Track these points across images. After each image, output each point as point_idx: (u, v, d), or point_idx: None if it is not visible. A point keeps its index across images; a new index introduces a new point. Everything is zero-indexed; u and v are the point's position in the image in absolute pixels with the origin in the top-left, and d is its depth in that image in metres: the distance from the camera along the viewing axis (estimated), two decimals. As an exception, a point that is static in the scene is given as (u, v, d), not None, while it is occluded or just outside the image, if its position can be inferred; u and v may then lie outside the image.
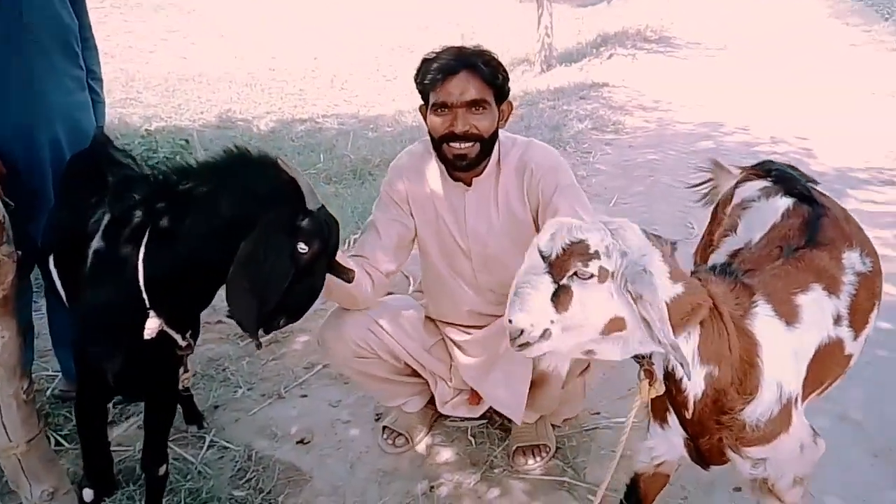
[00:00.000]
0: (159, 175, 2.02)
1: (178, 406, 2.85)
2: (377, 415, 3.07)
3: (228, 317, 1.87)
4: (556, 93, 9.63)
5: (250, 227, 1.79)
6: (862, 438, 2.93)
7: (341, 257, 2.10)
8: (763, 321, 1.68)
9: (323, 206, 1.90)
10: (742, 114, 8.60)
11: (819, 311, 1.78)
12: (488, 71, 2.31)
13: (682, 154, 7.20)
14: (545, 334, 1.54)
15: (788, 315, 1.72)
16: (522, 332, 1.54)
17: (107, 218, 2.06)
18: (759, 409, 1.66)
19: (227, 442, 2.90)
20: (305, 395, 3.23)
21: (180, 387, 2.32)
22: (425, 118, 2.41)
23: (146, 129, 6.96)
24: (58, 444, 2.82)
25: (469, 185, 2.48)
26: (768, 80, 10.71)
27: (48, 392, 3.20)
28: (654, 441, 1.96)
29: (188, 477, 2.67)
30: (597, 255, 1.51)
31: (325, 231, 1.88)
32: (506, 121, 2.44)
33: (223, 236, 1.83)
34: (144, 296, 1.95)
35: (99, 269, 2.02)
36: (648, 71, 11.61)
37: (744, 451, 1.73)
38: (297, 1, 19.12)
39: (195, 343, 2.18)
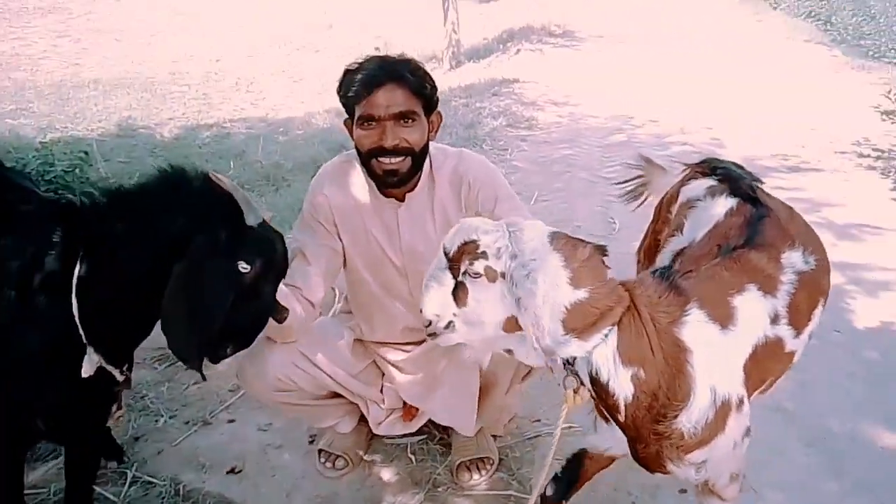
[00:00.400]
0: (87, 200, 1.86)
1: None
2: (311, 437, 2.93)
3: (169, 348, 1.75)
4: (468, 90, 9.60)
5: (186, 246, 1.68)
6: (795, 428, 2.98)
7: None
8: (695, 327, 1.67)
9: (264, 221, 1.79)
10: (651, 106, 8.78)
11: (754, 311, 1.78)
12: (415, 81, 2.20)
13: (597, 148, 7.28)
14: (450, 326, 1.67)
15: (723, 318, 1.71)
16: (431, 322, 1.69)
17: (29, 251, 1.86)
18: (693, 416, 1.65)
19: (152, 476, 2.71)
20: (233, 420, 3.07)
21: (116, 426, 2.13)
22: (351, 133, 2.28)
23: (41, 141, 6.54)
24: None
25: (402, 200, 2.37)
26: (672, 71, 10.99)
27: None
28: (602, 436, 1.98)
29: (111, 519, 2.49)
30: (484, 255, 1.59)
31: (269, 248, 1.78)
32: (436, 132, 2.33)
33: (160, 261, 1.70)
34: (81, 332, 1.79)
35: (25, 308, 1.82)
36: (556, 65, 11.72)
37: (686, 458, 1.73)
38: (194, 2, 18.55)
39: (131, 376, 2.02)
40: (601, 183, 6.22)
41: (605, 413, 1.81)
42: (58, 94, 10.01)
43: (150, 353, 3.54)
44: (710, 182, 2.24)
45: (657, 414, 1.67)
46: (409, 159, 2.22)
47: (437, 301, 1.66)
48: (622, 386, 1.65)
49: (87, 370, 1.83)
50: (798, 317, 1.87)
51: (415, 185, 2.35)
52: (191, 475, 2.74)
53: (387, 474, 2.72)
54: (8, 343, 1.86)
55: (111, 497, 2.59)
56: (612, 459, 2.06)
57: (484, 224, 1.66)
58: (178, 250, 1.67)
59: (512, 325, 1.62)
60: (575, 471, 2.12)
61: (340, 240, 2.41)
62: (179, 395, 3.24)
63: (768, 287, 1.84)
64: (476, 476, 2.64)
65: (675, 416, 1.66)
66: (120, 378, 1.93)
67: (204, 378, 1.84)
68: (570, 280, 1.57)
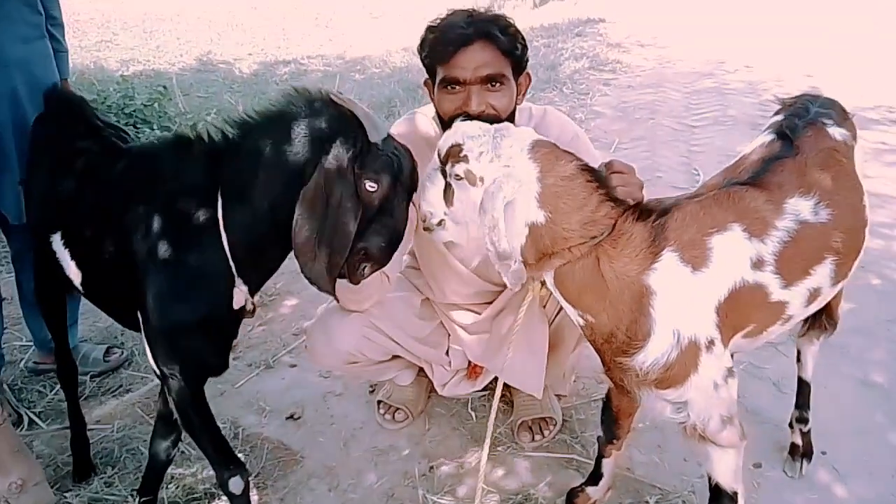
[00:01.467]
0: (218, 132, 1.82)
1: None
2: (371, 387, 2.88)
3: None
4: (551, 30, 9.31)
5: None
6: (886, 405, 2.77)
7: None
8: (665, 271, 1.64)
9: (390, 136, 1.73)
10: (745, 51, 8.34)
11: (732, 253, 1.70)
12: (506, 40, 1.98)
13: (684, 94, 6.96)
14: (441, 224, 1.75)
15: (696, 260, 1.66)
16: (426, 217, 1.76)
17: (159, 187, 1.85)
18: (651, 356, 1.65)
19: (213, 418, 2.72)
20: (295, 365, 3.04)
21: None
22: (431, 95, 2.11)
23: (122, 75, 6.65)
24: (30, 424, 2.64)
25: None
26: (772, 14, 10.39)
27: (21, 364, 3.01)
28: None
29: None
30: (465, 158, 1.63)
31: (394, 164, 1.71)
32: (523, 95, 2.14)
33: (291, 188, 1.67)
34: (232, 265, 1.79)
35: (170, 246, 1.82)
36: (646, 4, 11.24)
37: (658, 392, 1.73)
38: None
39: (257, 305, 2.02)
40: (686, 131, 5.95)
41: None
42: (142, 27, 10.16)
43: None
44: (779, 117, 2.10)
45: (617, 349, 1.70)
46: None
47: (430, 199, 1.73)
48: (572, 314, 1.75)
49: (238, 301, 1.85)
50: (790, 267, 1.76)
51: None
52: (251, 419, 2.73)
53: (445, 429, 2.66)
54: (155, 282, 1.85)
55: (172, 437, 2.60)
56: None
57: (472, 128, 1.67)
58: (306, 175, 1.67)
59: None
60: (608, 409, 2.11)
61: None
62: (244, 337, 3.24)
63: (756, 229, 1.74)
64: (538, 437, 2.55)
65: (635, 354, 1.67)
66: (250, 307, 1.93)
67: (337, 300, 1.84)
68: (538, 195, 1.60)
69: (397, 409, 2.67)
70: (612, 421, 2.12)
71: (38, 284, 2.39)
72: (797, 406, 2.47)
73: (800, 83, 6.98)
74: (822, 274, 1.84)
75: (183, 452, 2.49)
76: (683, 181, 4.79)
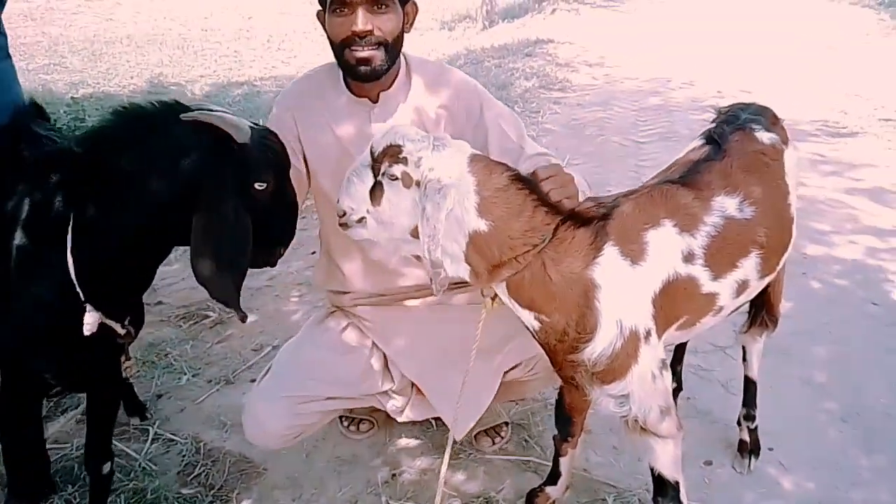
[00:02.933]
0: (69, 150, 1.77)
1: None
2: (333, 399, 2.90)
3: (213, 299, 1.74)
4: (501, 50, 9.45)
5: (185, 197, 1.63)
6: (827, 402, 2.89)
7: None
8: (607, 264, 1.73)
9: (251, 127, 1.70)
10: (688, 68, 8.60)
11: (665, 247, 1.80)
12: None
13: (632, 111, 7.13)
14: (362, 221, 1.73)
15: (635, 254, 1.75)
16: (345, 213, 1.74)
17: (23, 203, 1.82)
18: (599, 346, 1.73)
19: (173, 434, 2.72)
20: (255, 380, 3.01)
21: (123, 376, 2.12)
22: (323, 24, 2.12)
23: (72, 97, 6.61)
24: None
25: (375, 101, 2.19)
26: (710, 33, 10.73)
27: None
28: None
29: (132, 475, 2.50)
30: (405, 161, 1.64)
31: (270, 151, 1.72)
32: (411, 24, 2.16)
33: (155, 216, 1.67)
34: (78, 289, 1.74)
35: (24, 265, 1.79)
36: (592, 26, 11.51)
37: (605, 388, 1.80)
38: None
39: (138, 329, 1.99)
40: (634, 147, 6.11)
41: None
42: (90, 50, 10.05)
43: (174, 311, 3.57)
44: (712, 125, 2.24)
45: (569, 346, 1.76)
46: (382, 49, 2.05)
47: (354, 194, 1.71)
48: (527, 319, 1.79)
49: (88, 328, 1.78)
50: (718, 260, 1.87)
51: (390, 84, 2.19)
52: (212, 434, 2.74)
53: (406, 438, 2.70)
54: (12, 299, 1.83)
55: (133, 453, 2.60)
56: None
57: (413, 132, 1.69)
58: (175, 199, 1.64)
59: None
60: (561, 407, 2.18)
61: (306, 161, 2.23)
62: (203, 354, 3.25)
63: (687, 224, 1.84)
64: (497, 440, 2.61)
65: (584, 348, 1.74)
66: (121, 332, 1.89)
67: (245, 317, 1.79)
68: (476, 206, 1.65)
69: (361, 419, 2.69)
70: (566, 419, 2.19)
71: None
72: (744, 404, 2.57)
73: (739, 98, 7.17)
74: (748, 266, 1.95)
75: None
76: (633, 194, 4.91)
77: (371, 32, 2.01)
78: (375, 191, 1.68)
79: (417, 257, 1.77)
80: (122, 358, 2.02)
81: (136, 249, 1.74)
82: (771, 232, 1.99)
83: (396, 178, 1.65)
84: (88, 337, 1.80)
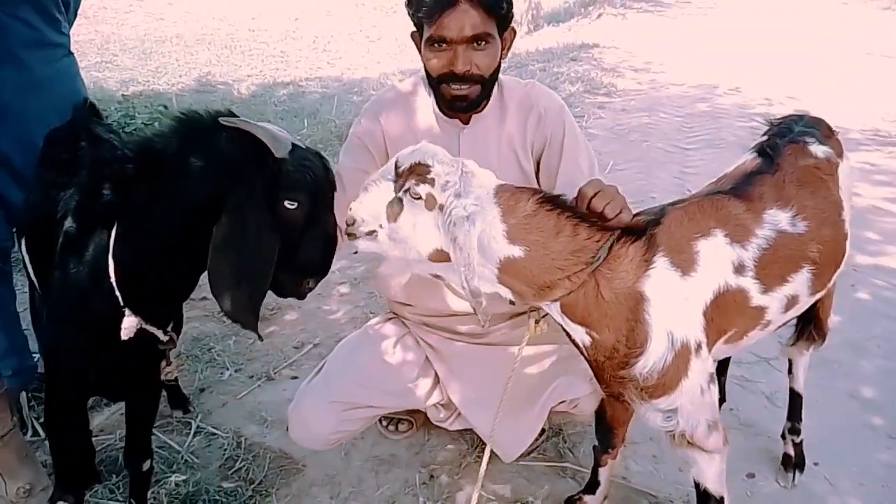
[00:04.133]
0: (119, 154, 1.79)
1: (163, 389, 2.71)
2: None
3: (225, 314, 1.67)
4: (546, 54, 9.42)
5: (216, 202, 1.59)
6: (875, 418, 2.83)
7: None
8: (658, 276, 1.68)
9: (295, 145, 1.66)
10: (735, 74, 8.47)
11: (716, 257, 1.77)
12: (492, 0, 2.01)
13: (677, 117, 7.05)
14: (372, 234, 1.67)
15: (685, 264, 1.72)
16: (355, 222, 1.68)
17: (73, 204, 1.85)
18: (651, 360, 1.69)
19: (215, 428, 2.77)
20: (296, 377, 3.08)
21: (163, 379, 2.14)
22: (418, 47, 2.13)
23: (123, 94, 6.72)
24: (35, 433, 2.67)
25: (466, 122, 2.21)
26: (759, 39, 10.56)
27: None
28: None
29: (174, 467, 2.54)
30: (432, 182, 1.60)
31: (309, 173, 1.64)
32: (508, 50, 2.17)
33: (191, 221, 1.63)
34: (118, 293, 1.75)
35: (68, 263, 1.81)
36: (639, 31, 11.40)
37: (653, 402, 1.76)
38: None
39: (178, 335, 2.01)
40: (679, 154, 6.04)
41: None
42: (141, 49, 10.23)
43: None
44: (764, 138, 2.21)
45: (618, 363, 1.72)
46: (478, 86, 2.07)
47: (370, 205, 1.65)
48: (578, 334, 1.74)
49: (126, 333, 1.78)
50: (769, 273, 1.84)
51: (483, 108, 2.19)
52: (253, 429, 2.77)
53: (444, 439, 2.70)
54: (54, 294, 1.87)
55: (175, 446, 2.64)
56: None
57: (443, 154, 1.65)
58: (210, 207, 1.59)
59: (440, 256, 1.64)
60: (602, 419, 2.16)
61: None
62: (245, 350, 3.29)
63: (738, 236, 1.82)
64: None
65: (635, 363, 1.70)
66: (163, 338, 1.89)
67: (261, 339, 1.79)
68: (505, 234, 1.61)
69: (400, 420, 2.71)
70: (608, 430, 2.17)
71: (31, 294, 2.44)
72: (789, 417, 2.53)
73: (787, 105, 7.10)
74: (799, 282, 1.92)
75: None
76: (677, 201, 4.85)
77: (469, 72, 2.02)
78: (394, 206, 1.63)
79: (437, 276, 1.75)
80: (164, 363, 2.02)
81: (175, 255, 1.71)
82: (824, 248, 1.95)
83: (420, 198, 1.60)
84: (128, 342, 1.80)
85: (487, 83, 2.09)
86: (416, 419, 2.72)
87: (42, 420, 2.71)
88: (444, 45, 2.01)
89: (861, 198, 4.89)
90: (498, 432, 2.22)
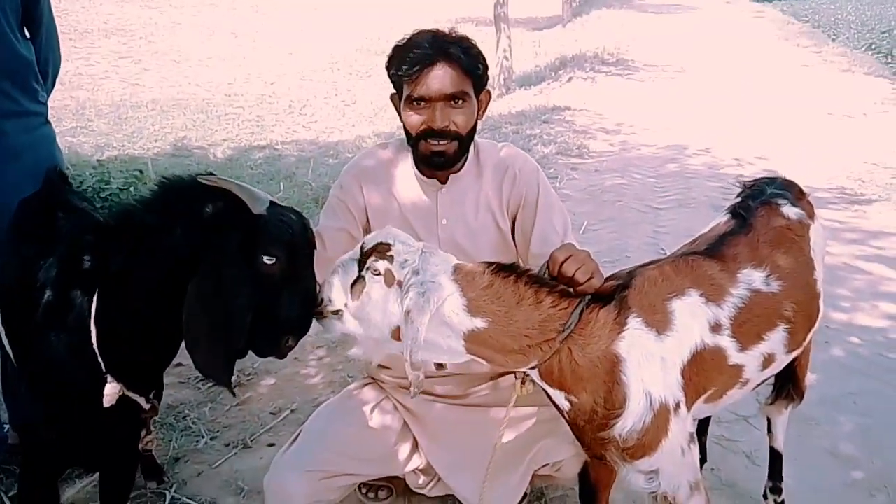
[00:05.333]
0: (101, 221, 1.82)
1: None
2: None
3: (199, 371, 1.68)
4: (519, 116, 9.57)
5: (193, 260, 1.60)
6: (854, 474, 2.84)
7: None
8: (632, 337, 1.71)
9: (272, 202, 1.68)
10: (704, 135, 8.64)
11: (692, 316, 1.79)
12: (467, 60, 2.09)
13: (649, 178, 7.17)
14: (338, 314, 1.73)
15: (660, 324, 1.74)
16: (323, 302, 1.74)
17: (52, 272, 1.84)
18: (630, 421, 1.69)
19: (190, 499, 2.71)
20: (273, 444, 3.03)
21: (142, 449, 2.10)
22: (398, 108, 2.20)
23: (98, 159, 6.72)
24: (3, 507, 2.60)
25: (444, 182, 2.25)
26: (727, 101, 10.82)
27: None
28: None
29: (148, 540, 2.47)
30: (390, 259, 1.67)
31: (287, 229, 1.66)
32: (484, 111, 2.25)
33: (169, 282, 1.63)
34: (100, 360, 1.74)
35: (49, 332, 1.80)
36: (608, 93, 11.64)
37: (634, 464, 1.76)
38: (253, 27, 18.97)
39: (160, 402, 1.98)
40: (652, 213, 6.13)
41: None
42: (116, 114, 10.25)
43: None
44: (737, 199, 2.26)
45: (597, 425, 1.74)
46: (455, 142, 2.13)
47: (335, 285, 1.72)
48: (558, 398, 1.78)
49: (108, 400, 1.77)
50: (745, 332, 1.87)
51: (459, 168, 2.25)
52: (229, 499, 2.72)
53: (426, 505, 2.66)
54: (32, 363, 1.85)
55: (149, 518, 2.58)
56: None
57: (406, 238, 1.73)
58: (188, 266, 1.60)
59: (400, 334, 1.67)
60: (586, 482, 2.12)
61: (369, 232, 2.23)
62: (221, 417, 3.24)
63: (713, 295, 1.85)
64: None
65: (615, 424, 1.71)
66: (146, 406, 1.88)
67: (233, 394, 1.79)
68: (466, 308, 1.66)
69: (380, 487, 2.66)
70: (592, 494, 2.14)
71: (3, 363, 2.39)
72: (770, 477, 2.53)
73: (757, 165, 7.26)
74: (774, 340, 1.94)
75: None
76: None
77: (447, 128, 2.09)
78: (357, 284, 1.70)
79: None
80: (143, 432, 2.00)
81: (156, 317, 1.70)
82: (798, 307, 1.98)
83: (379, 274, 1.66)
84: (110, 410, 1.78)
85: (464, 141, 2.16)
86: (395, 486, 2.67)
87: (11, 494, 2.64)
88: (422, 104, 2.09)
89: (832, 256, 4.98)
90: (478, 496, 2.21)
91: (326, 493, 2.28)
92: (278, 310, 1.69)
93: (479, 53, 2.15)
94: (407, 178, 2.28)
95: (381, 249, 1.68)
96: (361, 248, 1.72)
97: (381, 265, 1.66)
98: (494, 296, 1.67)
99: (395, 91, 2.21)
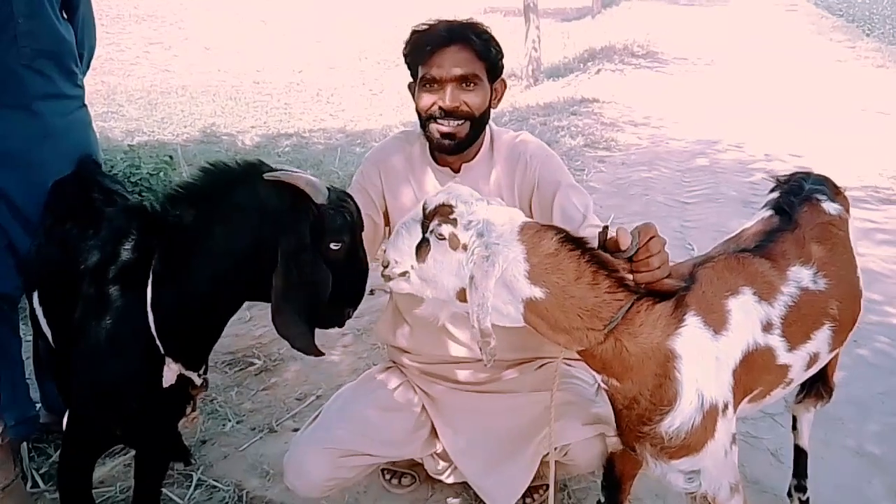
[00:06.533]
0: (154, 206, 1.84)
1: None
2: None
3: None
4: (546, 108, 9.54)
5: (264, 253, 1.69)
6: (882, 476, 2.81)
7: None
8: (689, 335, 1.65)
9: (330, 188, 1.77)
10: (735, 130, 8.55)
11: (746, 315, 1.75)
12: (481, 44, 2.12)
13: (677, 172, 7.12)
14: (405, 275, 1.71)
15: (717, 323, 1.70)
16: (389, 264, 1.72)
17: (100, 256, 1.88)
18: (678, 420, 1.65)
19: (216, 480, 2.74)
20: (298, 429, 3.03)
21: (184, 425, 2.14)
22: (414, 96, 2.23)
23: (129, 144, 6.78)
24: (35, 485, 2.64)
25: (457, 171, 2.27)
26: (758, 95, 10.68)
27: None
28: (602, 405, 1.95)
29: (175, 521, 2.51)
30: (454, 222, 1.62)
31: (346, 215, 1.76)
32: (499, 100, 2.26)
33: (235, 270, 1.74)
34: (158, 343, 1.80)
35: (99, 315, 1.83)
36: (637, 86, 11.55)
37: (673, 463, 1.72)
38: (283, 14, 19.03)
39: (208, 379, 2.03)
40: (679, 207, 6.09)
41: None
42: (147, 100, 10.36)
43: (220, 357, 3.60)
44: (775, 194, 2.22)
45: (638, 416, 1.69)
46: (467, 124, 2.14)
47: (400, 247, 1.69)
48: (598, 380, 1.73)
49: (168, 380, 1.86)
50: (794, 331, 1.84)
51: (473, 156, 2.26)
52: (254, 482, 2.75)
53: (449, 493, 2.67)
54: (84, 348, 1.88)
55: (176, 499, 2.62)
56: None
57: (468, 194, 1.67)
58: (256, 255, 1.71)
59: (465, 296, 1.62)
60: (611, 473, 2.10)
61: (386, 216, 2.33)
62: (247, 401, 3.27)
63: (765, 293, 1.81)
64: (529, 500, 2.55)
65: (661, 420, 1.65)
66: (198, 382, 1.94)
67: (322, 354, 1.82)
68: (527, 274, 1.58)
69: (403, 473, 2.68)
70: (616, 485, 2.12)
71: (35, 344, 2.43)
72: (795, 475, 2.51)
73: (789, 162, 7.16)
74: (820, 339, 1.91)
75: None
76: (677, 256, 4.84)
77: (458, 108, 2.11)
78: (422, 247, 1.66)
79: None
80: (188, 409, 2.06)
81: (216, 302, 1.80)
82: (843, 305, 1.96)
83: (444, 238, 1.62)
84: (165, 390, 1.87)
85: (476, 123, 2.16)
86: (418, 473, 2.69)
87: (42, 471, 2.69)
88: (434, 85, 2.12)
89: (863, 257, 4.89)
90: (489, 482, 2.25)
91: (344, 472, 2.30)
92: (342, 286, 1.80)
93: (493, 39, 2.17)
94: (422, 167, 2.30)
95: (444, 212, 1.63)
96: (423, 208, 1.68)
97: (446, 229, 1.61)
98: (556, 266, 1.58)
99: (411, 80, 2.24)
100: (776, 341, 1.81)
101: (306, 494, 2.38)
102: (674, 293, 1.66)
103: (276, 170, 1.73)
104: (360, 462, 2.32)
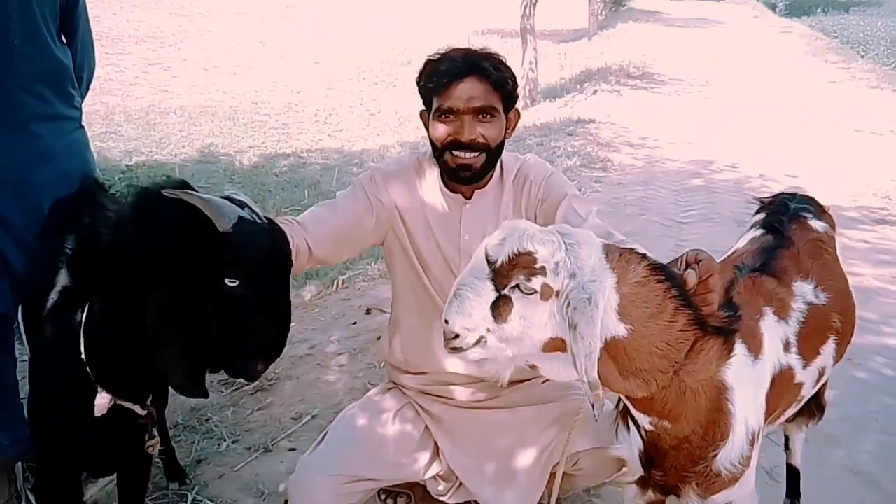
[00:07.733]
0: (98, 228, 1.76)
1: (159, 461, 2.70)
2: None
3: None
4: (543, 129, 9.59)
5: (158, 274, 1.57)
6: (876, 495, 2.82)
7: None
8: (737, 364, 1.58)
9: (240, 218, 1.57)
10: (730, 151, 8.60)
11: (772, 337, 1.75)
12: (498, 76, 2.12)
13: (673, 192, 7.16)
14: (480, 341, 1.46)
15: (755, 348, 1.67)
16: (458, 336, 1.47)
17: (62, 275, 1.87)
18: (732, 453, 1.59)
19: (211, 500, 2.74)
20: (294, 449, 3.06)
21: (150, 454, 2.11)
22: (426, 124, 2.22)
23: (126, 164, 6.84)
24: (29, 504, 2.65)
25: (469, 197, 2.27)
26: (754, 116, 10.75)
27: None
28: (622, 446, 1.83)
29: (169, 541, 2.51)
30: (542, 271, 1.40)
31: (253, 248, 1.56)
32: (512, 130, 2.26)
33: (142, 296, 1.59)
34: (88, 370, 1.74)
35: (48, 337, 1.82)
36: (633, 107, 11.61)
37: (711, 499, 1.66)
38: (281, 35, 19.15)
39: (161, 408, 2.01)
40: (675, 227, 6.12)
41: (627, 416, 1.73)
42: (145, 120, 10.39)
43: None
44: (762, 215, 2.25)
45: (690, 455, 1.60)
46: (483, 155, 2.14)
47: (469, 313, 1.44)
48: (640, 420, 1.61)
49: (98, 410, 1.78)
50: (807, 347, 1.84)
51: (485, 184, 2.26)
52: (249, 501, 2.75)
53: (447, 513, 2.67)
54: (34, 376, 1.88)
55: (171, 519, 2.61)
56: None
57: (537, 231, 1.45)
58: (154, 280, 1.57)
59: (553, 345, 1.45)
60: None
61: (382, 231, 2.28)
62: (243, 420, 3.27)
63: (781, 311, 1.81)
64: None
65: (715, 456, 1.59)
66: (141, 413, 1.87)
67: (206, 396, 1.72)
68: (617, 308, 1.41)
69: (399, 493, 2.67)
70: None
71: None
72: (789, 494, 2.52)
73: (783, 182, 7.19)
74: (827, 353, 1.93)
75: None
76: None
77: (475, 140, 2.10)
78: (500, 306, 1.43)
79: (533, 366, 1.57)
80: (146, 437, 1.98)
81: (134, 330, 1.63)
82: (843, 317, 1.98)
83: (535, 292, 1.41)
84: (106, 417, 1.80)
85: (492, 154, 2.17)
86: (414, 493, 2.69)
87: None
88: (451, 116, 2.11)
89: (859, 276, 4.92)
90: (499, 497, 2.24)
91: (347, 498, 2.29)
92: (245, 333, 1.61)
93: (509, 70, 2.17)
94: (433, 192, 2.29)
95: (526, 262, 1.40)
96: (489, 262, 1.45)
97: (536, 283, 1.40)
98: (644, 297, 1.42)
99: (424, 108, 2.23)
100: (794, 360, 1.80)
101: None
102: (735, 329, 1.56)
103: (184, 189, 1.59)
104: (363, 487, 2.32)
